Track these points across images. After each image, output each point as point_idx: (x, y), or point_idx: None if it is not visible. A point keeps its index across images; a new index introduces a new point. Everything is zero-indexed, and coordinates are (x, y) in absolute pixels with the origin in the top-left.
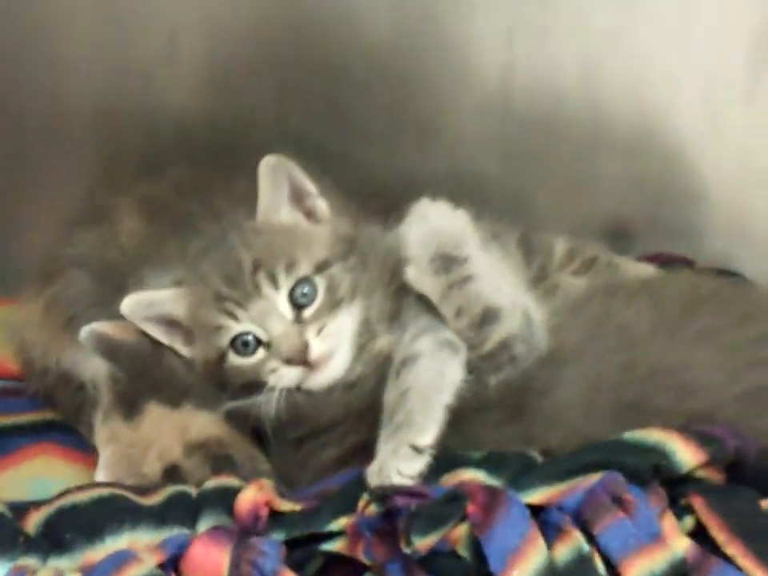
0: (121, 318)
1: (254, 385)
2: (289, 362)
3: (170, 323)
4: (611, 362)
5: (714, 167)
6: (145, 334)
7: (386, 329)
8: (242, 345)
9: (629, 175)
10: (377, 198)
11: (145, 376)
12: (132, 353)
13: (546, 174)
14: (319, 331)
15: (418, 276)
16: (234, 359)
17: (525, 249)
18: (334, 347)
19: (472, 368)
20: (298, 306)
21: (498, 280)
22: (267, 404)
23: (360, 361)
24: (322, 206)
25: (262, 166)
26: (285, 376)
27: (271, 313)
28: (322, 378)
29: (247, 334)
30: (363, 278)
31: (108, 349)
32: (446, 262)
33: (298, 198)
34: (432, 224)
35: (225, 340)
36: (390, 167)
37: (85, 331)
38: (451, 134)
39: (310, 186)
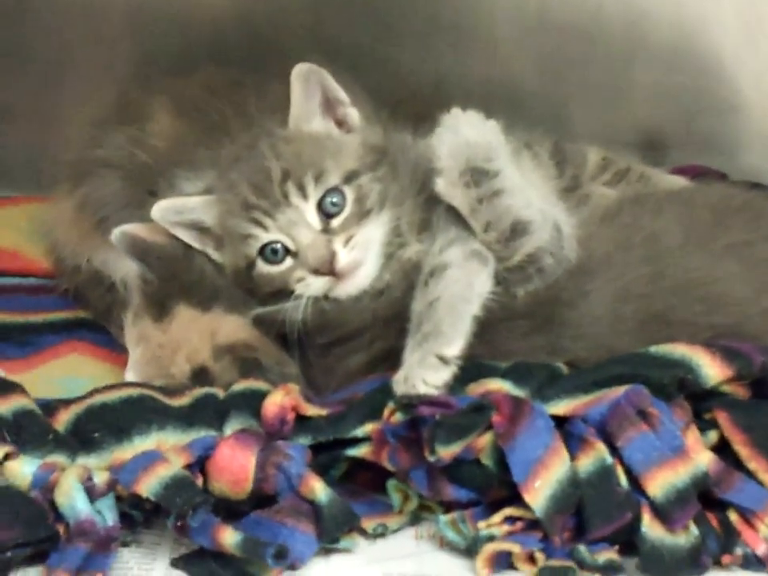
0: (152, 220)
1: (282, 292)
2: (316, 271)
3: (201, 229)
4: (639, 273)
5: (752, 80)
6: (176, 237)
7: (416, 238)
8: (270, 253)
9: (665, 86)
10: (407, 104)
11: (175, 278)
12: (163, 255)
13: (581, 83)
14: (347, 241)
15: (448, 188)
16: (263, 267)
17: (558, 158)
18: (362, 257)
19: (500, 279)
20: (326, 216)
21: (528, 193)
22: (294, 311)
23: (388, 269)
24: (353, 114)
25: (295, 75)
26: (312, 285)
27: (299, 222)
28: (349, 287)
29: (275, 242)
30: (392, 188)
31: (139, 250)
32: (477, 175)
33: (329, 106)
34: (463, 136)
35: (254, 248)
36: (423, 72)
37: (116, 232)
38: (486, 40)
39: (342, 95)
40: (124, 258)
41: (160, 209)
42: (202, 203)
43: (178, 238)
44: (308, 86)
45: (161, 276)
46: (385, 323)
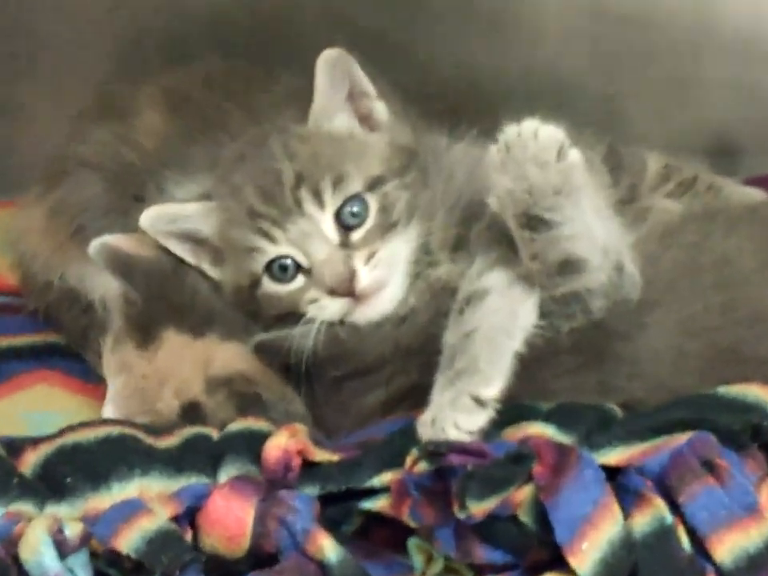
0: (138, 229)
1: (290, 315)
2: (332, 292)
3: (197, 241)
4: (707, 302)
5: None
6: (165, 250)
7: (448, 257)
8: (279, 270)
9: (738, 82)
10: (437, 100)
11: (163, 298)
12: (149, 271)
13: (640, 78)
14: (369, 258)
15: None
16: (269, 286)
17: (612, 164)
18: (386, 277)
19: (545, 311)
20: (345, 228)
21: (595, 229)
22: (304, 338)
23: (414, 291)
24: (380, 109)
25: (321, 62)
26: (327, 308)
27: (314, 235)
28: (370, 311)
29: (285, 257)
30: (423, 198)
31: (122, 265)
32: (534, 221)
33: (353, 100)
34: (526, 180)
35: (259, 264)
36: (454, 63)
37: (95, 244)
38: (530, 28)
39: (368, 87)
40: (104, 273)
41: (150, 216)
42: (199, 211)
43: (169, 252)
44: (335, 77)
45: (147, 295)
46: (408, 355)
